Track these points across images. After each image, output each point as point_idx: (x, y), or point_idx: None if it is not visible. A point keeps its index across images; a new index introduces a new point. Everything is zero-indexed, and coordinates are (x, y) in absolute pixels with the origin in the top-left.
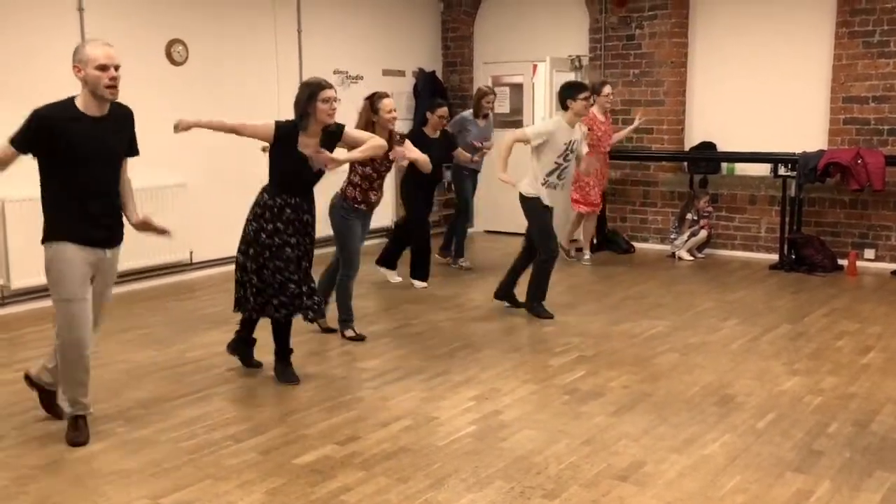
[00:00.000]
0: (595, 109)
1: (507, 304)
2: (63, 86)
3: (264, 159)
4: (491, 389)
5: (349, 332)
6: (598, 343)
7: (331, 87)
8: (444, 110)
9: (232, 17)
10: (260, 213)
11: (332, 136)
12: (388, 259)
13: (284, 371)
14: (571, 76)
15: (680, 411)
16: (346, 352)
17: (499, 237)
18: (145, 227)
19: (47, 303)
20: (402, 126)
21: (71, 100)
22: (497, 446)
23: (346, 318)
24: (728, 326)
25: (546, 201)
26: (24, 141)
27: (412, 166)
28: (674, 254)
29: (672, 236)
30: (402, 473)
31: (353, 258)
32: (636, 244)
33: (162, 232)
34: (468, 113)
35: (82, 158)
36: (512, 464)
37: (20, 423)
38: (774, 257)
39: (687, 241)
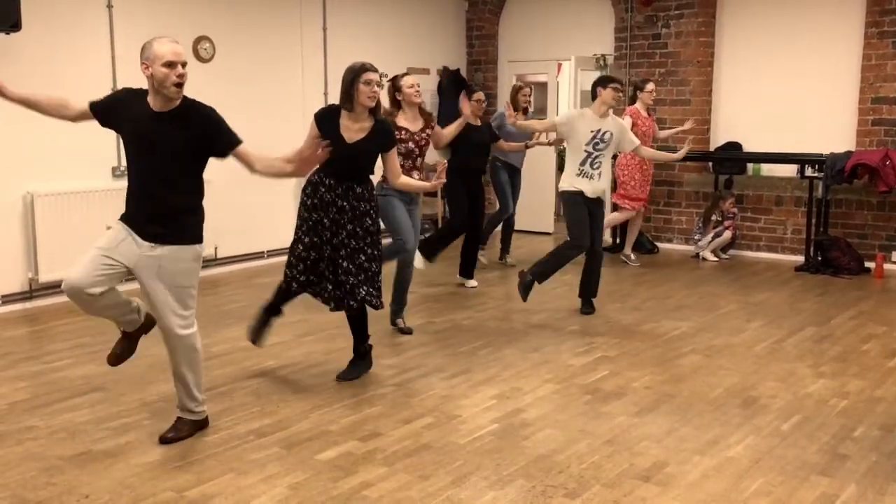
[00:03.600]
0: (638, 105)
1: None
2: (91, 81)
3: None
4: (513, 388)
5: (399, 323)
6: (620, 343)
7: (374, 70)
8: (480, 94)
9: (258, 14)
10: (303, 188)
11: (381, 134)
12: (463, 266)
13: (350, 367)
14: (596, 75)
15: (703, 413)
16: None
17: (525, 236)
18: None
19: None
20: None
21: (146, 91)
22: (519, 445)
23: (396, 308)
24: (752, 328)
25: (587, 192)
26: (100, 102)
27: (455, 160)
28: (698, 254)
29: (696, 237)
30: (424, 470)
31: (402, 230)
32: (660, 244)
33: None
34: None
35: (137, 149)
36: (533, 462)
37: (48, 414)
38: (800, 259)
39: (711, 241)
